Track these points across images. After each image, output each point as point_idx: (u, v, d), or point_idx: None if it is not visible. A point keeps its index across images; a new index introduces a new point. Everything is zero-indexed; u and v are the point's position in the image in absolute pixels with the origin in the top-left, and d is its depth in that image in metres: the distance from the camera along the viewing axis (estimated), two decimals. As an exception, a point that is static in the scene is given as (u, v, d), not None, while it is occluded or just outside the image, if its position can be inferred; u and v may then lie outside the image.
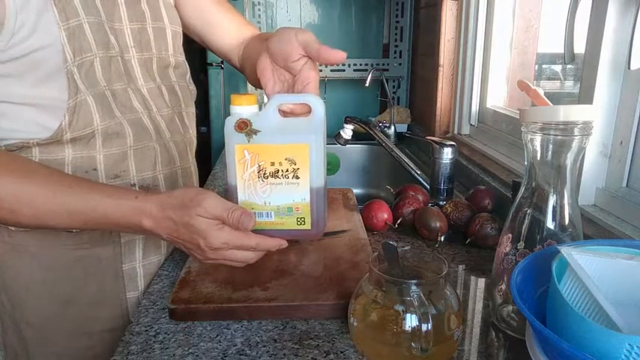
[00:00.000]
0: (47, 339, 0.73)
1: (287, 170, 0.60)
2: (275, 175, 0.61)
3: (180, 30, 0.82)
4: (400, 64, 1.90)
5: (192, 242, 0.60)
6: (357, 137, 1.53)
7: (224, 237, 0.59)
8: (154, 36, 0.75)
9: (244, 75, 0.89)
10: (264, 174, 0.61)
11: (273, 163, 0.61)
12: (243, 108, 0.62)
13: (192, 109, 0.86)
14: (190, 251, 0.62)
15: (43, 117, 0.63)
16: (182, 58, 0.82)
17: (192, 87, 0.86)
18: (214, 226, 0.59)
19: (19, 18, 0.58)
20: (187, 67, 0.85)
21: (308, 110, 0.62)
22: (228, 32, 0.87)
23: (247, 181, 0.62)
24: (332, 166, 1.69)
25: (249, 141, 0.61)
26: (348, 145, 1.50)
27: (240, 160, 0.61)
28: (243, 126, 0.60)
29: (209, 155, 1.97)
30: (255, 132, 0.60)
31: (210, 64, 1.79)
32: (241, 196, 0.63)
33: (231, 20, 0.87)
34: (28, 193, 0.59)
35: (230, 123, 0.61)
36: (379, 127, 1.67)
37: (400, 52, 1.90)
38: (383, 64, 1.90)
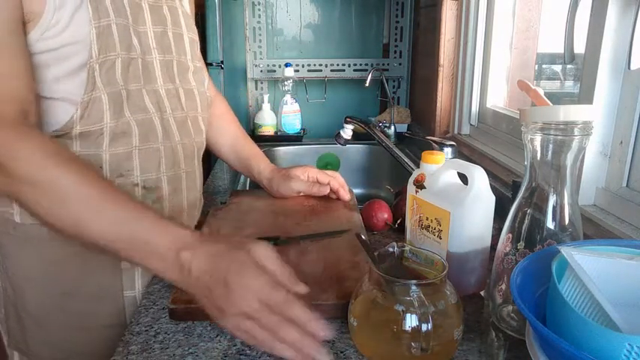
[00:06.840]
0: (45, 329, 0.74)
1: (434, 229, 0.67)
2: (427, 228, 0.69)
3: (196, 38, 0.84)
4: (400, 64, 1.90)
5: (215, 286, 0.51)
6: (357, 137, 1.53)
7: (263, 289, 0.50)
8: (173, 40, 0.77)
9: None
10: (422, 224, 0.70)
11: (428, 218, 0.68)
12: (427, 165, 0.70)
13: (207, 115, 0.88)
14: (214, 310, 0.53)
15: (56, 110, 0.64)
16: (200, 64, 0.85)
17: (209, 94, 0.88)
18: (258, 269, 0.52)
19: (55, 15, 0.60)
20: (206, 74, 0.87)
21: None
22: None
23: (413, 225, 0.72)
24: (332, 166, 1.69)
25: (416, 193, 0.70)
26: (348, 145, 1.50)
27: (411, 207, 0.72)
28: (420, 179, 0.69)
29: (208, 154, 1.96)
30: (423, 187, 0.69)
31: (210, 64, 1.78)
32: (408, 235, 0.73)
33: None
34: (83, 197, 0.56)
35: (415, 174, 0.71)
36: (379, 127, 1.67)
37: (400, 52, 1.90)
38: (383, 64, 1.90)
